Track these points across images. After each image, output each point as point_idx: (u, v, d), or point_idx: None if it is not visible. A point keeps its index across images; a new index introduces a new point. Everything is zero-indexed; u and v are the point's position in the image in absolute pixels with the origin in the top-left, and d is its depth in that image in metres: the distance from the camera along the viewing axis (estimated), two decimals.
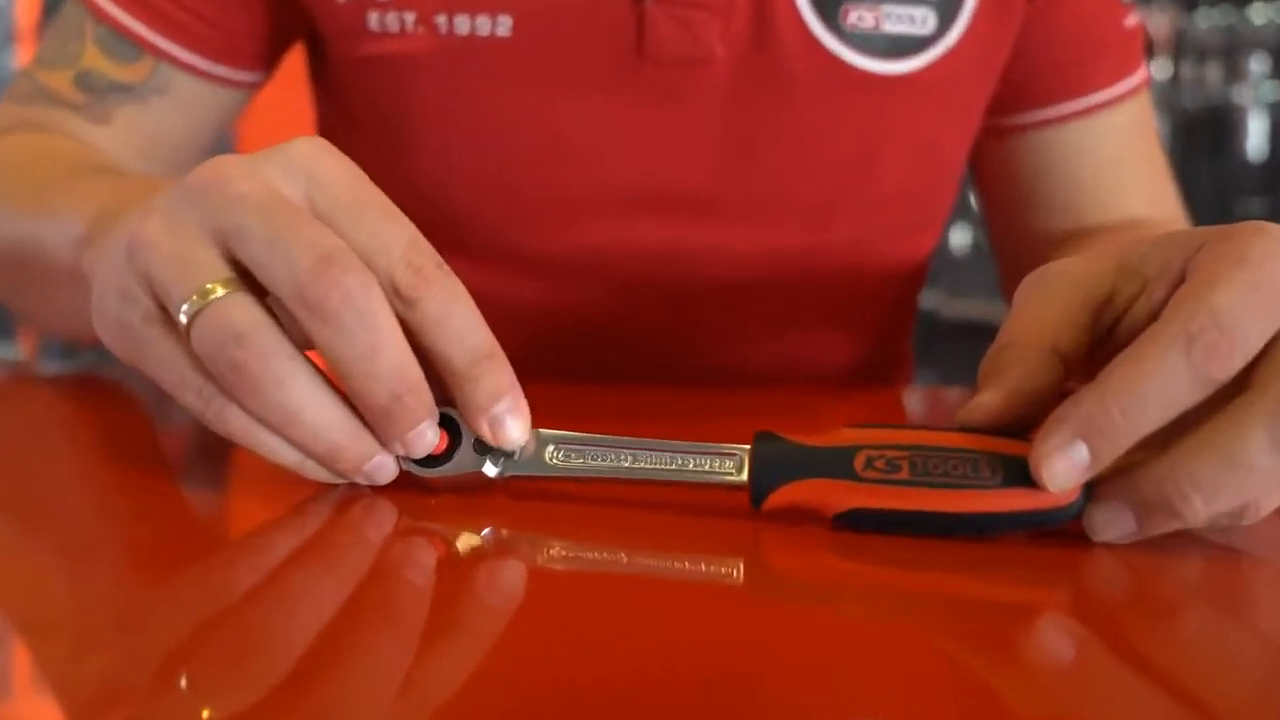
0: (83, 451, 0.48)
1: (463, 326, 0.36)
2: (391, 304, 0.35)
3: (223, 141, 0.68)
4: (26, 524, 0.37)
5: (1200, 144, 2.56)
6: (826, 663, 0.28)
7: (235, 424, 0.36)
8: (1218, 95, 2.58)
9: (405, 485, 0.38)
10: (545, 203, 0.66)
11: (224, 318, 0.34)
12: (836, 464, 0.36)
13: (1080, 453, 0.33)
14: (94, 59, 0.64)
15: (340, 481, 0.38)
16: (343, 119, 0.70)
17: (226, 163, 0.36)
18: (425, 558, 0.35)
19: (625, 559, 0.35)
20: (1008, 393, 0.36)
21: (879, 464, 0.35)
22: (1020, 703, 0.27)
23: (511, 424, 0.36)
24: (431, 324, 0.35)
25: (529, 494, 0.39)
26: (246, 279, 0.35)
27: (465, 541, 0.36)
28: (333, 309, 0.34)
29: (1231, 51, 2.56)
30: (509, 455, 0.38)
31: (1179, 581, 0.35)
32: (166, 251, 0.36)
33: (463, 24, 0.62)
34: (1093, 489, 0.35)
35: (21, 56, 2.72)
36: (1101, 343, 0.38)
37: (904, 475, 0.35)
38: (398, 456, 0.37)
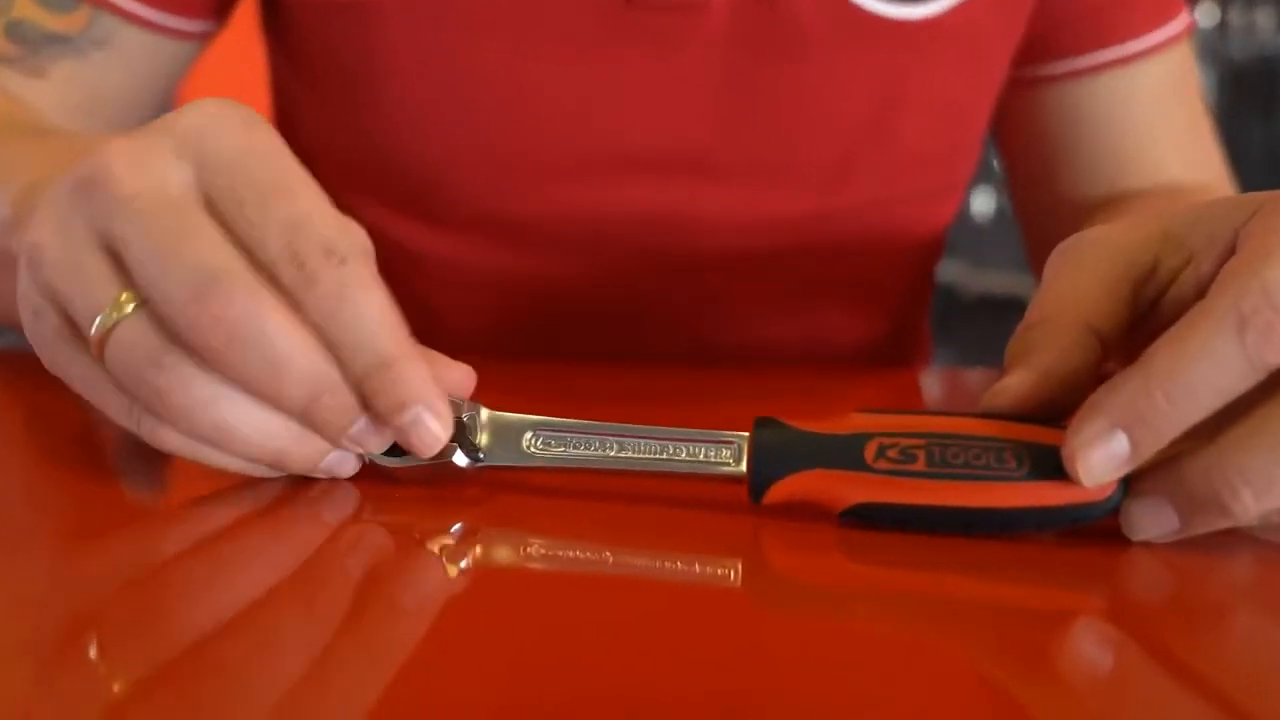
0: (4, 426, 0.47)
1: (354, 331, 0.34)
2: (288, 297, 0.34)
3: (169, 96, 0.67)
4: None
5: (1250, 100, 2.49)
6: (833, 677, 0.27)
7: (171, 442, 0.35)
8: (1270, 44, 2.49)
9: (369, 473, 0.37)
10: (525, 164, 0.64)
11: (134, 339, 0.34)
12: (845, 453, 0.35)
13: (1119, 443, 0.33)
14: (26, 7, 0.62)
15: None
16: (300, 74, 0.68)
17: (114, 151, 0.35)
18: (378, 549, 0.34)
19: (610, 559, 0.35)
20: (1038, 375, 0.35)
21: (892, 453, 0.35)
22: None
23: (423, 433, 0.35)
24: (319, 328, 0.34)
25: (504, 485, 0.38)
26: None
27: (432, 538, 0.35)
28: (217, 347, 0.33)
29: None
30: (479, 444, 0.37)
31: (1227, 585, 0.35)
32: (61, 262, 0.35)
33: None
34: (1131, 483, 0.34)
35: None
36: (1142, 320, 0.37)
37: (920, 466, 0.34)
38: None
